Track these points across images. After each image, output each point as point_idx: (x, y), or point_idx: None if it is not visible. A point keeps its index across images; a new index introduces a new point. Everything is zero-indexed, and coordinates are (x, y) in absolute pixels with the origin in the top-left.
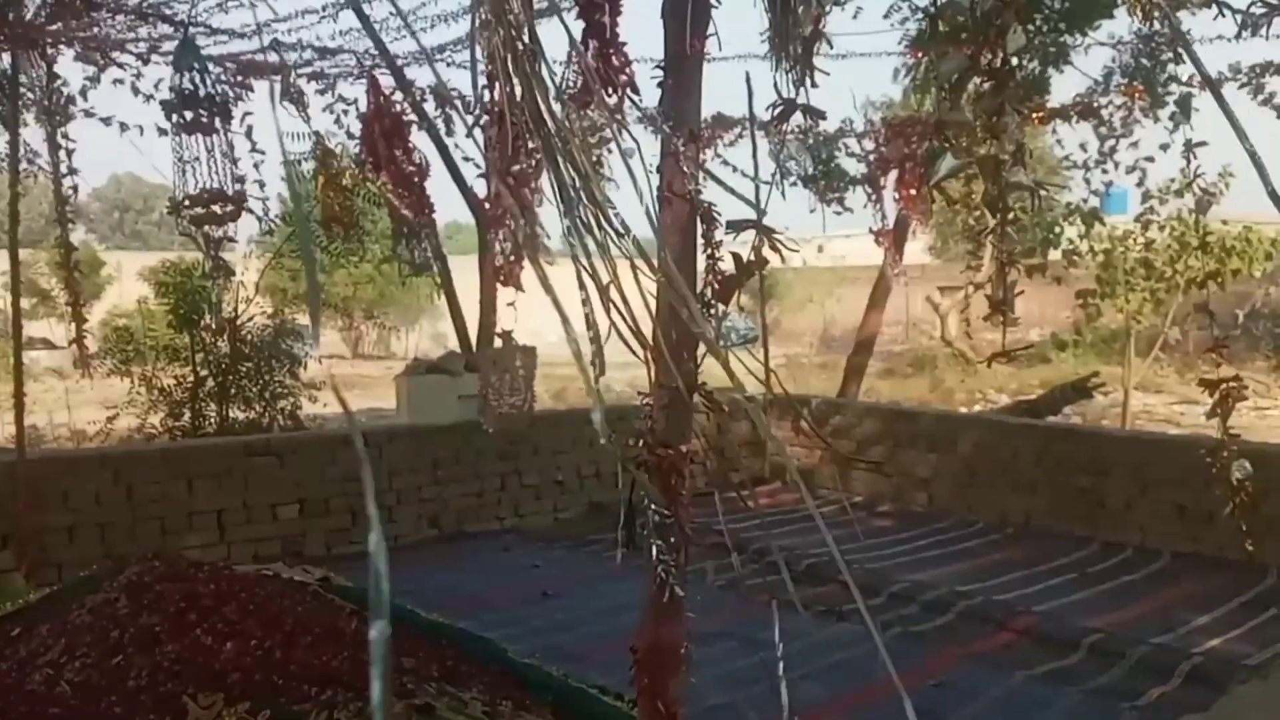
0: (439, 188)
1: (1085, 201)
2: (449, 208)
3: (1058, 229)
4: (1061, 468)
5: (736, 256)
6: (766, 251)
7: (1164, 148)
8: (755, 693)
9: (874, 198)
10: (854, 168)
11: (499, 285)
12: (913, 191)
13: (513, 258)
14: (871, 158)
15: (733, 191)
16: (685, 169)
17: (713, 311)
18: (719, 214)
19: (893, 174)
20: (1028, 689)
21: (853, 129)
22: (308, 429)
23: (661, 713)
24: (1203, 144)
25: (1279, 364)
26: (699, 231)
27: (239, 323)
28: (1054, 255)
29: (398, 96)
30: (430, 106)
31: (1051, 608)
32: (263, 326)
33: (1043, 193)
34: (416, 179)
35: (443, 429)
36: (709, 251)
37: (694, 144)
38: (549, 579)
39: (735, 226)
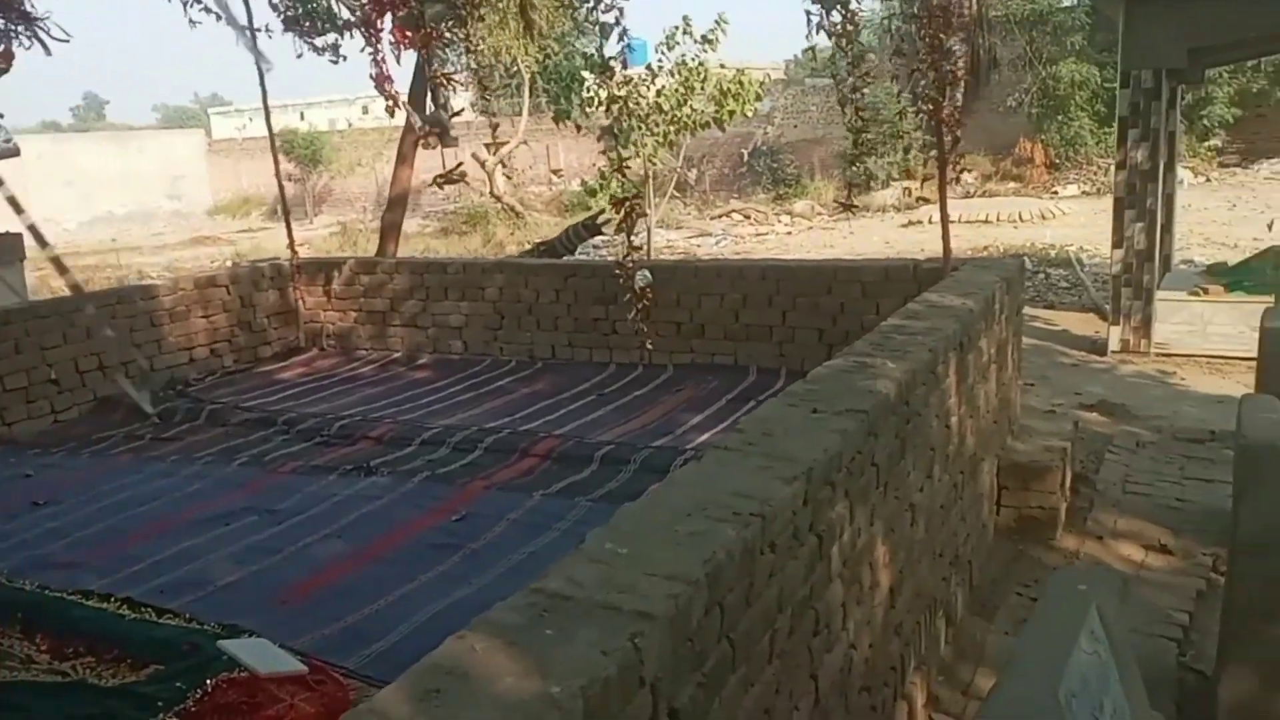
0: None
1: (600, 50)
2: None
3: (579, 79)
4: (578, 300)
5: None
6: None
7: None
8: (274, 562)
9: (371, 41)
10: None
11: None
12: (409, 33)
13: None
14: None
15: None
16: None
17: None
18: None
19: (388, 16)
20: (544, 505)
21: None
22: None
23: None
24: None
25: (777, 195)
26: None
27: None
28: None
29: None
30: None
31: (571, 429)
32: None
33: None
34: None
35: None
36: None
37: None
38: (42, 487)
39: None
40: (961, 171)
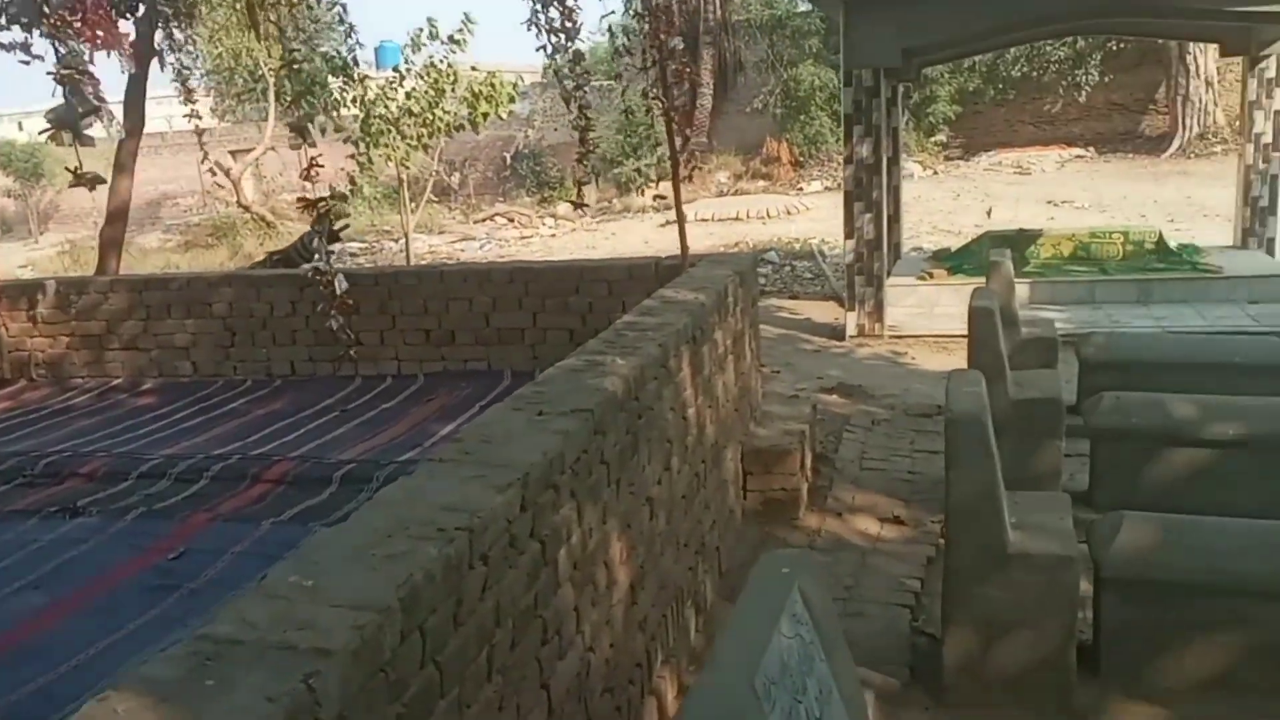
0: None
1: (339, 54)
2: None
3: (318, 82)
4: (317, 312)
5: None
6: None
7: None
8: None
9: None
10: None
11: None
12: (100, 34)
13: None
14: None
15: None
16: None
17: None
18: None
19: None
20: (274, 534)
21: None
22: None
23: None
24: None
25: (541, 198)
26: None
27: None
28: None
29: None
30: None
31: (309, 449)
32: None
33: None
34: None
35: None
36: None
37: None
38: None
39: None
40: (693, 169)
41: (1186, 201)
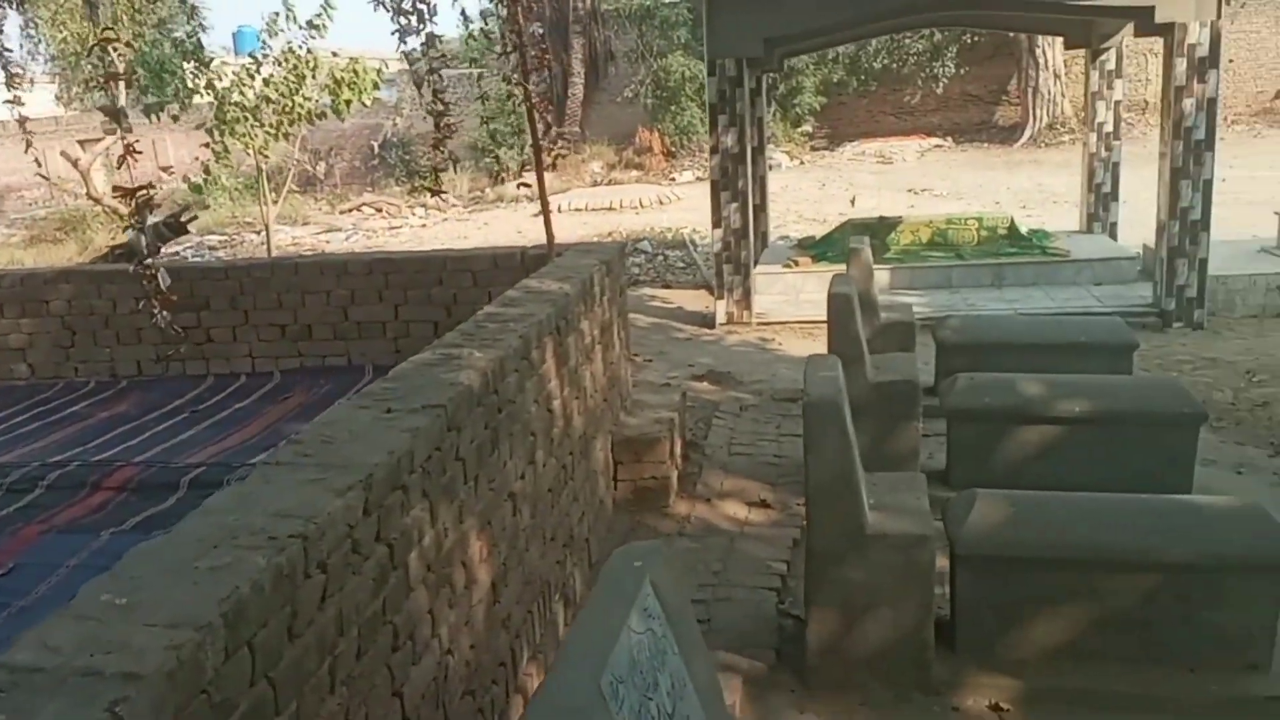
0: None
1: (191, 36)
2: None
3: (169, 69)
4: (139, 309)
5: None
6: None
7: None
8: None
9: None
10: None
11: None
12: None
13: None
14: None
15: None
16: None
17: None
18: None
19: None
20: (114, 545)
21: None
22: None
23: None
24: None
25: (411, 188)
26: None
27: None
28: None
29: None
30: None
31: (156, 454)
32: None
33: None
34: None
35: None
36: None
37: None
38: None
39: None
40: (556, 157)
41: (1037, 189)
